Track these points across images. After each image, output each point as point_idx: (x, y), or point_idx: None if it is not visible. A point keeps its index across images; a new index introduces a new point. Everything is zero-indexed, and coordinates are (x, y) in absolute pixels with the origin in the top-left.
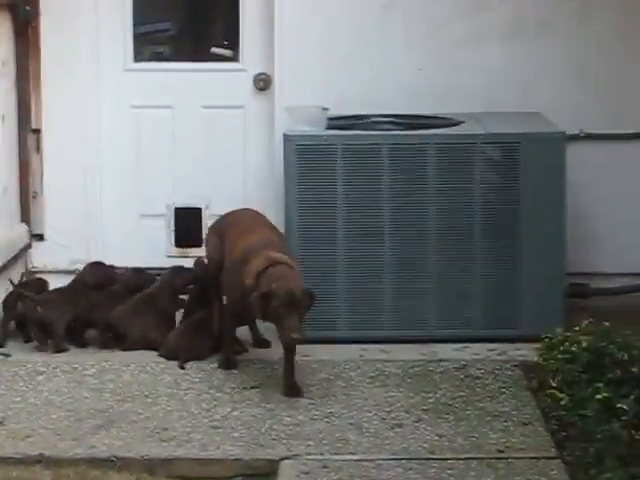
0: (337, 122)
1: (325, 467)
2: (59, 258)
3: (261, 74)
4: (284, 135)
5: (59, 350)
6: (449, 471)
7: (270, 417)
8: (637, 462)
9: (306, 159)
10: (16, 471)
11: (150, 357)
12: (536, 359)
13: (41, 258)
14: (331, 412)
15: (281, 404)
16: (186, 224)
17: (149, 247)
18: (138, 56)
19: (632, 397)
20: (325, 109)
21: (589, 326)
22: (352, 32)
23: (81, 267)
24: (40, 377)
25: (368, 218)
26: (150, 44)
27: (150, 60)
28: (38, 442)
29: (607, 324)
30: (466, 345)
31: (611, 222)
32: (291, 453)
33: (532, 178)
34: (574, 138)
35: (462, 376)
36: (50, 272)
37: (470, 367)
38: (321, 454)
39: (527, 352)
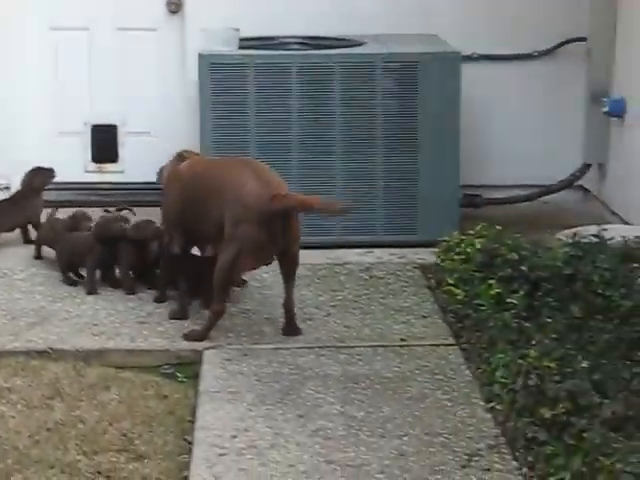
0: (248, 43)
1: (245, 355)
2: None
3: None
4: (199, 55)
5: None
6: (357, 357)
7: (192, 313)
8: (525, 346)
9: (220, 77)
10: None
11: None
12: (434, 260)
13: None
14: (248, 309)
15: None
16: (103, 141)
17: (68, 163)
18: None
19: (521, 292)
20: (237, 30)
21: (482, 230)
22: None
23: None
24: None
25: (278, 133)
26: None
27: None
28: None
29: (499, 228)
30: (369, 250)
31: (501, 136)
32: (213, 344)
33: (429, 95)
34: (468, 58)
35: (366, 277)
36: None
37: (373, 269)
38: (240, 344)
39: (426, 256)
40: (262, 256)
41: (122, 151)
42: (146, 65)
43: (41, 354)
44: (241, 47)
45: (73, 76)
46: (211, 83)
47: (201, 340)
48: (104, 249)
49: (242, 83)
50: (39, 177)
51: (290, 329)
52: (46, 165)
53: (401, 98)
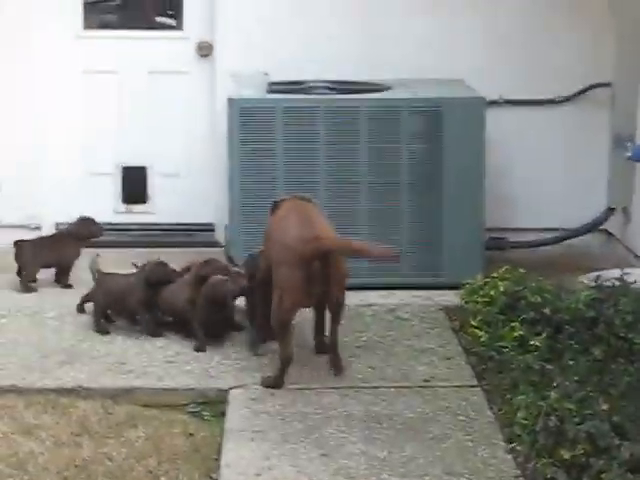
0: (277, 87)
1: (271, 394)
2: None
3: (203, 42)
4: (228, 99)
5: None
6: (381, 397)
7: (218, 353)
8: (546, 388)
9: (249, 121)
10: None
11: None
12: (458, 303)
13: None
14: (273, 349)
15: (227, 342)
16: (132, 182)
17: (98, 203)
18: (88, 24)
19: (544, 335)
20: (266, 74)
21: (506, 273)
22: (286, 2)
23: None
24: (4, 320)
25: (305, 175)
26: (99, 13)
27: (99, 28)
28: (9, 375)
29: (522, 271)
30: (393, 292)
31: (526, 181)
32: (239, 383)
33: (454, 140)
34: (494, 103)
35: (391, 318)
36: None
37: (398, 310)
38: None
39: (450, 298)
40: (303, 297)
41: (152, 192)
42: (176, 107)
43: (71, 391)
44: (270, 91)
45: (104, 118)
46: (240, 127)
47: (279, 387)
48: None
49: (270, 126)
50: (88, 227)
51: (335, 368)
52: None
53: (426, 142)
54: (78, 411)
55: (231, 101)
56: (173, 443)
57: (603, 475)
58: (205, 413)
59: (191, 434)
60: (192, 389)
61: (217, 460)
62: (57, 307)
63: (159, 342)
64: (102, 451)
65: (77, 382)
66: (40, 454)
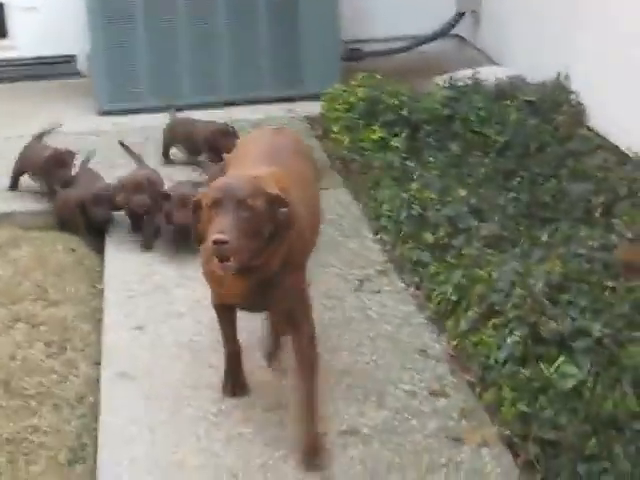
0: None
1: None
2: None
3: None
4: None
5: None
6: None
7: None
8: (408, 182)
9: None
10: None
11: None
12: (319, 112)
13: None
14: None
15: None
16: None
17: None
18: None
19: (403, 135)
20: None
21: (363, 80)
22: None
23: None
24: None
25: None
26: None
27: None
28: None
29: (379, 77)
30: (258, 107)
31: None
32: None
33: None
34: None
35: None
36: None
37: (263, 124)
38: None
39: (311, 108)
40: None
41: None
42: None
43: None
44: None
45: None
46: None
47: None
48: None
49: None
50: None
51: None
52: None
53: None
54: None
55: None
56: (57, 258)
57: (463, 251)
58: None
59: (73, 250)
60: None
61: (100, 272)
62: None
63: None
64: None
65: None
66: None
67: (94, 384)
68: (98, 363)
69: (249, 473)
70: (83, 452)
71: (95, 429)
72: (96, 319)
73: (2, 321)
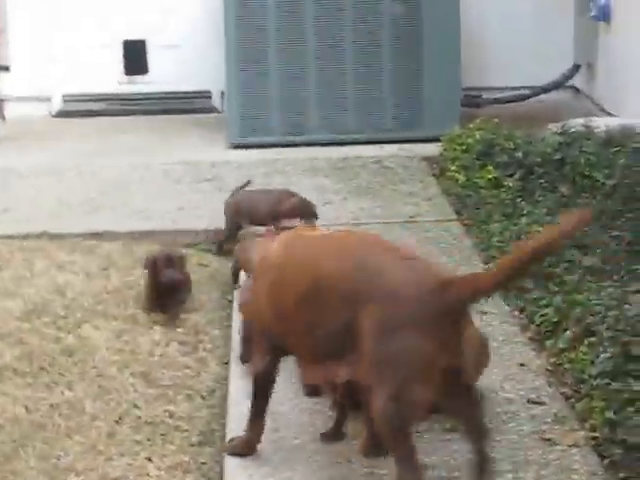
0: None
1: None
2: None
3: None
4: None
5: None
6: (372, 232)
7: None
8: (518, 218)
9: None
10: (26, 242)
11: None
12: (437, 153)
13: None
14: None
15: None
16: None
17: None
18: None
19: (516, 176)
20: None
21: (481, 124)
22: None
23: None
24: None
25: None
26: None
27: None
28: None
29: (496, 121)
30: (380, 146)
31: (500, 43)
32: None
33: (431, 6)
34: None
35: (378, 167)
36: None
37: (384, 161)
38: None
39: (430, 149)
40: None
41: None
42: None
43: (94, 235)
44: None
45: None
46: None
47: None
48: None
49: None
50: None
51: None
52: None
53: (406, 2)
54: (104, 250)
55: None
56: (192, 272)
57: (565, 278)
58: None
59: (205, 265)
60: (204, 230)
61: (229, 285)
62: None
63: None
64: (128, 279)
65: (102, 227)
66: (75, 283)
67: (223, 380)
68: (226, 363)
69: None
70: (212, 436)
71: (223, 417)
72: (225, 325)
73: (142, 324)
